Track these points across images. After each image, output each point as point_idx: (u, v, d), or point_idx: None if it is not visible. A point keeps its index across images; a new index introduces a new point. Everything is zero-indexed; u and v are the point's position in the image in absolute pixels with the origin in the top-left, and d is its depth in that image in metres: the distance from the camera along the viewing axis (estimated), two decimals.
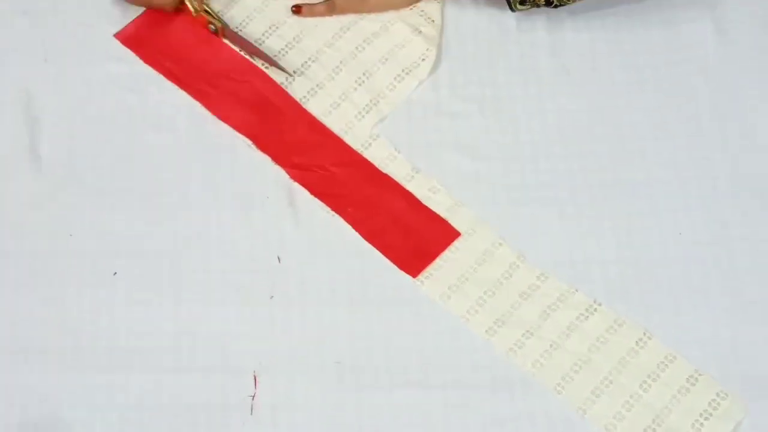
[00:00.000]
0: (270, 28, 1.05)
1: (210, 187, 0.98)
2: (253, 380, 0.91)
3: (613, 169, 1.00)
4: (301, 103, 1.01)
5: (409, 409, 0.90)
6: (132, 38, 1.04)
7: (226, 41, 1.04)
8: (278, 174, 0.99)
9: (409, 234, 0.97)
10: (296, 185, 0.98)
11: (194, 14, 1.03)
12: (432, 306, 0.94)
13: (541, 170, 1.00)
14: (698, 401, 0.90)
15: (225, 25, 1.03)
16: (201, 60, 1.03)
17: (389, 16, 1.05)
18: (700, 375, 0.91)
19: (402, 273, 0.95)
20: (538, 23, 1.05)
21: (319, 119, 1.01)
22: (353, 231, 0.97)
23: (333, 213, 0.98)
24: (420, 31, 1.05)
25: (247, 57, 1.03)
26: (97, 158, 0.99)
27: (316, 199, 0.98)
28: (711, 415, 0.89)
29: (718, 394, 0.90)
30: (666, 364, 0.92)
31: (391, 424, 0.89)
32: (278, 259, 0.96)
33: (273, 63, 1.02)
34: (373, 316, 0.93)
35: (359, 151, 1.00)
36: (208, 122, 1.01)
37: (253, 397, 0.90)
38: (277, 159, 0.99)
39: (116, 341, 0.92)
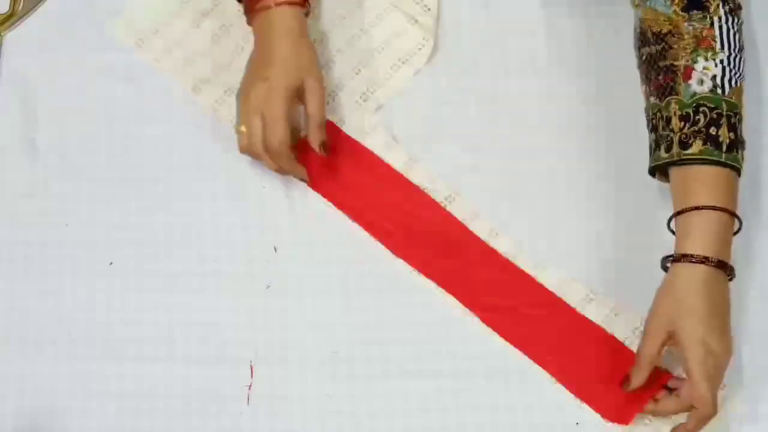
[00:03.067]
0: None
1: (206, 177, 0.98)
2: (250, 370, 0.91)
3: (611, 160, 0.99)
4: (486, 242, 0.96)
5: (405, 399, 0.90)
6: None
7: None
8: None
9: (615, 381, 0.89)
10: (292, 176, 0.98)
11: None
12: (428, 296, 0.94)
13: (538, 161, 1.00)
14: None
15: None
16: (373, 189, 0.97)
17: (385, 5, 1.05)
18: None
19: (398, 263, 0.95)
20: (535, 13, 1.05)
21: (505, 257, 0.95)
22: (349, 221, 0.96)
23: (329, 204, 0.97)
24: (416, 21, 1.04)
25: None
26: (92, 148, 0.99)
27: (311, 190, 0.97)
28: None
29: None
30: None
31: (386, 413, 0.90)
32: (274, 249, 0.95)
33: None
34: (369, 306, 0.93)
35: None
36: (203, 112, 1.01)
37: (250, 387, 0.90)
38: (465, 301, 0.93)
39: (112, 331, 0.92)
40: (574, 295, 0.94)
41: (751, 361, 0.92)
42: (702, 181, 0.87)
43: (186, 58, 1.03)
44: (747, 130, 0.91)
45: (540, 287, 0.94)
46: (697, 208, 0.86)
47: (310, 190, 0.98)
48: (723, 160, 0.87)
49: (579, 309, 0.93)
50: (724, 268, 0.86)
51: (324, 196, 0.97)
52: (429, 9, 1.05)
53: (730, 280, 0.87)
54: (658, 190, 0.98)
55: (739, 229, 0.88)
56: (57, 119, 1.00)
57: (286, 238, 0.96)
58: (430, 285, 0.94)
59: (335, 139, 0.98)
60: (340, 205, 0.97)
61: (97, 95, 1.01)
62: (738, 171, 0.88)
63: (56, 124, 1.00)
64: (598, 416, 0.90)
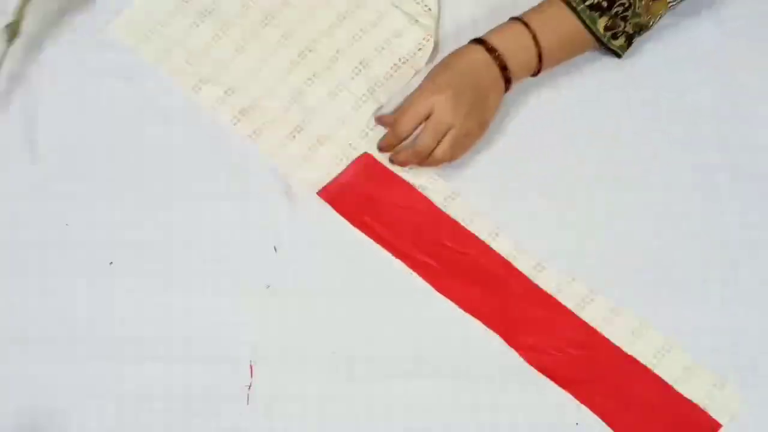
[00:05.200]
0: (266, 18, 1.04)
1: (206, 176, 0.98)
2: (250, 370, 0.91)
3: (610, 161, 0.99)
4: (530, 277, 0.95)
5: (404, 399, 0.90)
6: (336, 197, 0.98)
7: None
8: (274, 164, 0.99)
9: (664, 426, 0.89)
10: (293, 177, 0.98)
11: None
12: (427, 296, 0.94)
13: (538, 161, 0.99)
14: (694, 392, 0.90)
15: None
16: (412, 224, 0.96)
17: (385, 5, 1.05)
18: (696, 365, 0.91)
19: (398, 262, 0.95)
20: None
21: (550, 294, 0.94)
22: (349, 222, 0.97)
23: (329, 205, 0.97)
24: (417, 20, 1.04)
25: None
26: (92, 148, 0.99)
27: (312, 190, 0.98)
28: (707, 406, 0.89)
29: (714, 385, 0.90)
30: (663, 354, 0.91)
31: (386, 414, 0.90)
32: (274, 249, 0.95)
33: None
34: (369, 306, 0.93)
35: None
36: (203, 112, 1.01)
37: (250, 387, 0.90)
38: (507, 338, 0.92)
39: (112, 331, 0.92)
40: (573, 296, 0.94)
41: (748, 358, 0.92)
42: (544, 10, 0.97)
43: (186, 58, 1.03)
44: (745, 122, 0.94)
45: (583, 325, 0.93)
46: (515, 18, 0.97)
47: (310, 190, 0.98)
48: (576, 6, 0.95)
49: (577, 311, 0.93)
50: (489, 50, 0.94)
51: (361, 229, 0.96)
52: (429, 9, 1.05)
53: (507, 88, 0.96)
54: (660, 191, 0.98)
55: (537, 72, 0.98)
56: (57, 119, 1.00)
57: (286, 238, 0.96)
58: (429, 285, 0.94)
59: (375, 172, 0.98)
60: (378, 239, 0.96)
61: (97, 95, 1.01)
62: (590, 31, 0.96)
63: (56, 124, 1.00)
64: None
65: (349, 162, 0.99)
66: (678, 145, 1.00)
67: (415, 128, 0.94)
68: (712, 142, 1.00)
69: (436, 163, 0.95)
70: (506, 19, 1.00)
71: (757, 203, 0.97)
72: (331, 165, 0.99)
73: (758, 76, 1.02)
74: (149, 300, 0.93)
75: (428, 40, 1.04)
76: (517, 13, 0.99)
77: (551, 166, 0.99)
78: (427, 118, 0.94)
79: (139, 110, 1.01)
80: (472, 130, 0.95)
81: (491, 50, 0.95)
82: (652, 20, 0.99)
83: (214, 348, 0.92)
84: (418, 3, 1.05)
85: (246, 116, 1.01)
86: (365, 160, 0.99)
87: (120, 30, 1.04)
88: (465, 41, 1.04)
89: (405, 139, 0.95)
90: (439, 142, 0.94)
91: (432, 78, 0.95)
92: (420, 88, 0.96)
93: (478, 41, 0.96)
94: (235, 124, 1.00)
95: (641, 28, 0.98)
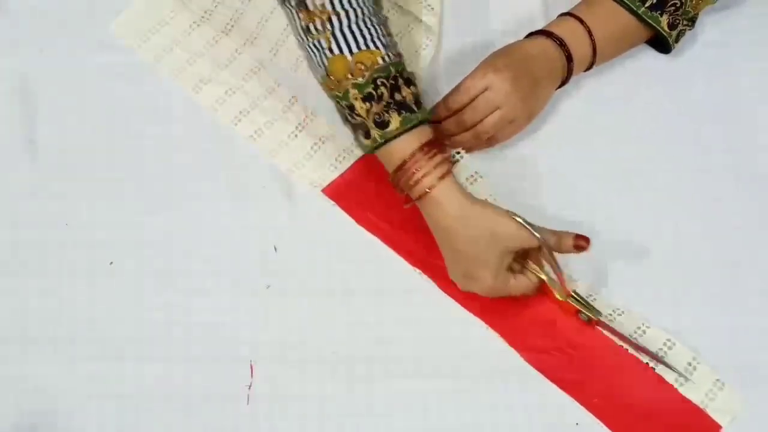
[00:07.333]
0: (271, 13, 1.04)
1: (206, 177, 0.98)
2: (250, 370, 0.91)
3: (613, 161, 0.99)
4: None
5: (404, 399, 0.90)
6: (340, 194, 0.98)
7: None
8: (274, 164, 0.99)
9: (664, 427, 0.88)
10: (294, 177, 0.98)
11: (559, 298, 0.92)
12: (428, 296, 0.94)
13: (538, 161, 0.99)
14: (694, 392, 0.90)
15: (597, 314, 0.91)
16: (417, 221, 0.92)
17: (388, 4, 1.05)
18: (698, 364, 0.91)
19: (398, 262, 0.95)
20: (538, 17, 1.04)
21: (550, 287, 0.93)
22: (351, 221, 0.97)
23: (332, 203, 0.97)
24: (420, 20, 1.04)
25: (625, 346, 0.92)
26: (92, 148, 0.99)
27: (312, 190, 0.98)
28: (707, 406, 0.89)
29: (714, 384, 0.90)
30: (664, 353, 0.91)
31: (386, 413, 0.90)
32: (274, 249, 0.95)
33: (659, 360, 0.90)
34: (369, 306, 0.93)
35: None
36: (203, 112, 1.01)
37: (250, 387, 0.90)
38: (507, 337, 0.92)
39: (113, 331, 0.92)
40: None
41: (748, 358, 0.92)
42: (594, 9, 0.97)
43: (186, 58, 1.03)
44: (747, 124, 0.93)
45: (584, 325, 0.92)
46: (567, 13, 0.97)
47: (311, 189, 0.98)
48: (637, 10, 0.96)
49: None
50: (556, 41, 0.95)
51: (365, 227, 0.97)
52: (432, 8, 1.05)
53: (565, 82, 0.97)
54: (662, 191, 0.98)
55: (590, 67, 0.99)
56: (57, 119, 1.00)
57: (286, 238, 0.96)
58: (429, 285, 0.94)
59: (379, 169, 0.93)
60: (382, 236, 0.96)
61: (97, 95, 1.01)
62: (654, 31, 0.98)
63: (56, 124, 1.00)
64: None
65: (353, 160, 0.99)
66: (681, 146, 1.00)
67: (468, 103, 0.94)
68: (715, 143, 1.00)
69: (475, 139, 0.95)
70: (506, 18, 1.00)
71: (758, 204, 0.97)
72: (335, 163, 0.99)
73: (759, 77, 1.02)
74: (149, 300, 0.93)
75: (431, 40, 1.03)
76: (517, 12, 0.99)
77: (554, 164, 0.99)
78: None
79: (139, 110, 1.01)
80: (518, 118, 0.94)
81: (559, 42, 0.95)
82: (698, 15, 0.99)
83: (214, 348, 0.92)
84: (421, 2, 1.05)
85: (246, 116, 1.01)
86: (370, 157, 0.98)
87: (120, 30, 1.04)
88: (465, 41, 1.04)
89: (455, 112, 0.95)
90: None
91: (491, 59, 0.95)
92: (478, 66, 0.95)
93: (541, 33, 0.96)
94: (235, 125, 1.00)
95: (691, 22, 0.99)
